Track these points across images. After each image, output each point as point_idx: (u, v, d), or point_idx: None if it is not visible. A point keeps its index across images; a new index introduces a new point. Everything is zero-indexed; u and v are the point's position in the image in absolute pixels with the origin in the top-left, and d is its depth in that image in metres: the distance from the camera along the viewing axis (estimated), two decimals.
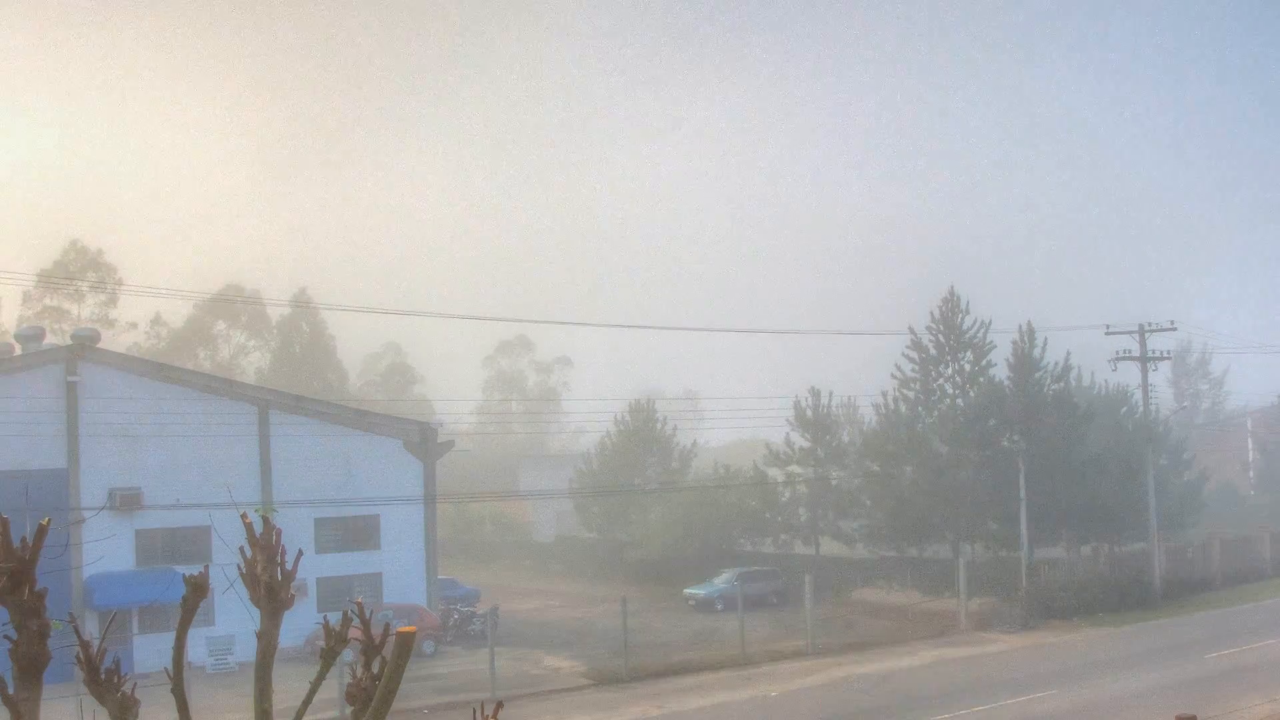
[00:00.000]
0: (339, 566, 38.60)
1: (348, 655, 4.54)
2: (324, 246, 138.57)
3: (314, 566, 36.95)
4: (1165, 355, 45.63)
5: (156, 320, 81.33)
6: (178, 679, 4.38)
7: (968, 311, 46.45)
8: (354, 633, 4.55)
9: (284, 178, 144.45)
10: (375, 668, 4.30)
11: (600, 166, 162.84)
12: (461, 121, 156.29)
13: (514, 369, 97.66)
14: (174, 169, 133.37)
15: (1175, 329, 43.61)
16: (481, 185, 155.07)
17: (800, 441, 53.02)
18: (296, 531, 35.08)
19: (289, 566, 4.26)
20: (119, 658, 4.42)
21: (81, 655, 4.10)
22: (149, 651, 32.79)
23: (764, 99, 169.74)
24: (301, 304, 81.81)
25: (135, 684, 4.27)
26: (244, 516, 4.40)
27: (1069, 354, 48.53)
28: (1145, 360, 43.54)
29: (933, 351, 46.78)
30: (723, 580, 46.82)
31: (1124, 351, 43.74)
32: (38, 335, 40.04)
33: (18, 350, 38.21)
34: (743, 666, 34.10)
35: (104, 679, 4.09)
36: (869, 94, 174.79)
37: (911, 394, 47.29)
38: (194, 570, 4.31)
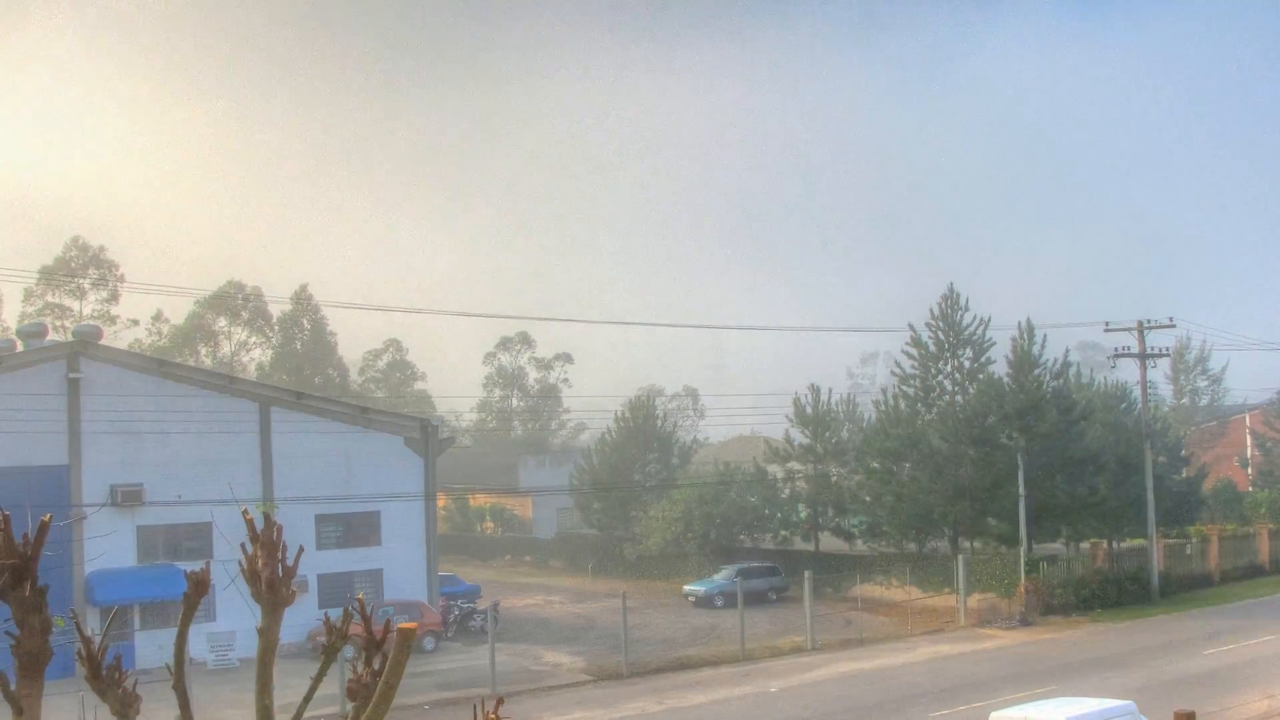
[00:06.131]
0: (340, 563, 38.64)
1: (348, 651, 4.57)
2: (325, 243, 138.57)
3: (315, 563, 37.01)
4: (1164, 352, 45.62)
5: (158, 317, 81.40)
6: (179, 675, 4.41)
7: (967, 308, 46.49)
8: (355, 629, 4.58)
9: (285, 175, 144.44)
10: (376, 664, 4.32)
11: (601, 164, 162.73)
12: (461, 118, 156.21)
13: (514, 365, 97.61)
14: (176, 166, 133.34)
15: (1174, 325, 43.63)
16: (482, 182, 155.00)
17: (800, 438, 53.05)
18: (297, 528, 35.07)
19: (290, 563, 4.28)
20: (120, 654, 4.44)
21: (83, 651, 4.12)
22: (150, 647, 32.88)
23: (766, 96, 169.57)
24: (302, 301, 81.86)
25: (136, 680, 4.29)
26: (245, 513, 4.42)
27: (1068, 351, 48.60)
28: (1144, 357, 43.54)
29: (932, 348, 46.79)
30: (722, 576, 46.86)
31: (1123, 348, 43.75)
32: (39, 332, 40.09)
33: (19, 347, 38.23)
34: (742, 662, 34.16)
35: (105, 675, 4.11)
36: (869, 92, 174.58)
37: (911, 391, 47.31)
38: (195, 566, 4.34)
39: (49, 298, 75.90)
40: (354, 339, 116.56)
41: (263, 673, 4.23)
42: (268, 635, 4.23)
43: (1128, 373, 49.33)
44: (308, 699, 4.56)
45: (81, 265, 75.93)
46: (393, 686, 4.04)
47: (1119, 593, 42.58)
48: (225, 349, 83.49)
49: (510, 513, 69.20)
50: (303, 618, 34.44)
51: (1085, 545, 46.88)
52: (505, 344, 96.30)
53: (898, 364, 48.55)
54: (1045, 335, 46.13)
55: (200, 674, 32.16)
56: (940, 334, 46.64)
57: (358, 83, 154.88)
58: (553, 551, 62.67)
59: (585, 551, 59.34)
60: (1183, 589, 44.91)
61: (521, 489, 69.27)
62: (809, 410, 52.52)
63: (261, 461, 37.93)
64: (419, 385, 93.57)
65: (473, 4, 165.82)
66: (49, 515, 3.85)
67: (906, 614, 41.32)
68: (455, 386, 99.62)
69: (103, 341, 39.79)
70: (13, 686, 3.74)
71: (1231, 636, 35.22)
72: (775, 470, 53.96)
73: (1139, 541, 46.61)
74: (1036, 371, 45.64)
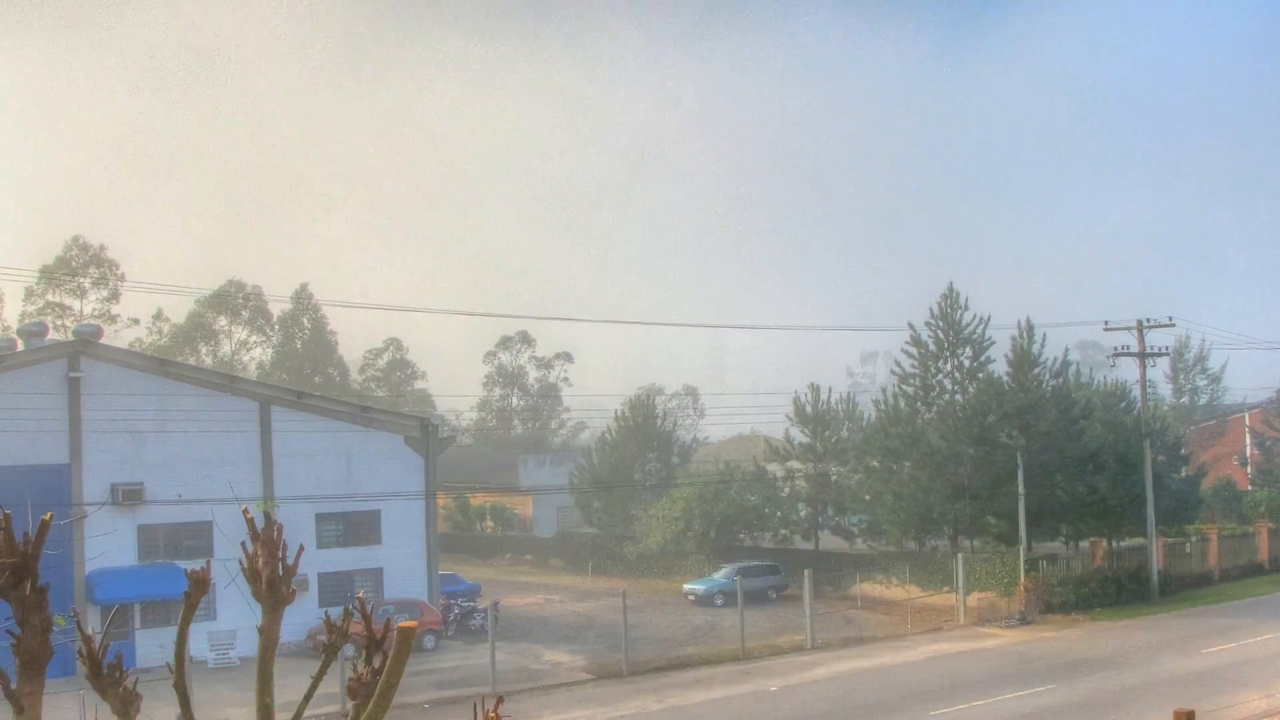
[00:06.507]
0: (340, 561, 38.68)
1: (349, 650, 4.59)
2: (325, 242, 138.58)
3: (315, 561, 37.05)
4: (1163, 351, 45.63)
5: (158, 316, 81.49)
6: (180, 673, 4.43)
7: (967, 307, 46.52)
8: (355, 627, 4.59)
9: (286, 173, 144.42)
10: (376, 663, 4.34)
11: (601, 162, 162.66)
12: (462, 117, 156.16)
13: (514, 364, 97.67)
14: (176, 164, 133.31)
15: (1173, 325, 43.59)
16: (482, 180, 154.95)
17: (800, 437, 53.07)
18: (298, 526, 35.19)
19: (290, 561, 4.30)
20: (121, 653, 4.46)
21: (84, 650, 4.13)
22: (151, 646, 32.92)
23: (767, 95, 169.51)
24: (303, 300, 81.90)
25: (137, 679, 4.30)
26: (245, 511, 4.43)
27: (1067, 350, 48.66)
28: (1143, 356, 43.53)
29: (932, 347, 46.82)
30: (722, 575, 46.90)
31: (1122, 347, 43.74)
32: (40, 331, 40.12)
33: (20, 346, 38.26)
34: (742, 661, 34.18)
35: (106, 674, 4.13)
36: (869, 90, 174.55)
37: (911, 390, 47.33)
38: (196, 565, 4.36)
39: (50, 297, 75.96)
40: (354, 338, 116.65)
41: (263, 671, 4.25)
42: (268, 634, 4.24)
43: (1127, 372, 49.41)
44: (308, 697, 4.58)
45: (82, 264, 75.96)
46: (393, 685, 4.06)
47: (1118, 591, 42.60)
48: (225, 348, 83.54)
49: (510, 511, 69.23)
50: (303, 616, 34.50)
51: (1085, 544, 46.90)
52: (505, 343, 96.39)
53: (897, 363, 48.61)
54: (1045, 334, 46.22)
55: (201, 673, 32.19)
56: (940, 333, 46.66)
57: (358, 81, 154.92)
58: (553, 550, 62.70)
59: (585, 550, 59.37)
60: (1182, 588, 44.94)
61: (521, 488, 69.31)
62: (809, 409, 52.55)
63: (262, 460, 37.96)
64: (419, 384, 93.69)
65: (472, 3, 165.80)
66: (50, 514, 3.86)
67: (906, 613, 41.34)
68: (455, 385, 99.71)
69: (103, 340, 39.80)
70: (14, 685, 3.76)
71: (1231, 635, 35.23)
72: (775, 469, 53.98)
73: (1138, 540, 46.63)
74: (1036, 370, 45.67)
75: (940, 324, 46.59)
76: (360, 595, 5.03)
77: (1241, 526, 53.68)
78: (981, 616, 40.48)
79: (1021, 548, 42.47)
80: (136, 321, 79.42)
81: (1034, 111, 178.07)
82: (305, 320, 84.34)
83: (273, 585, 4.21)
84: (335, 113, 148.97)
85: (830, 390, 53.22)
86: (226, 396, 38.02)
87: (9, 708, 3.79)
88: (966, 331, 46.46)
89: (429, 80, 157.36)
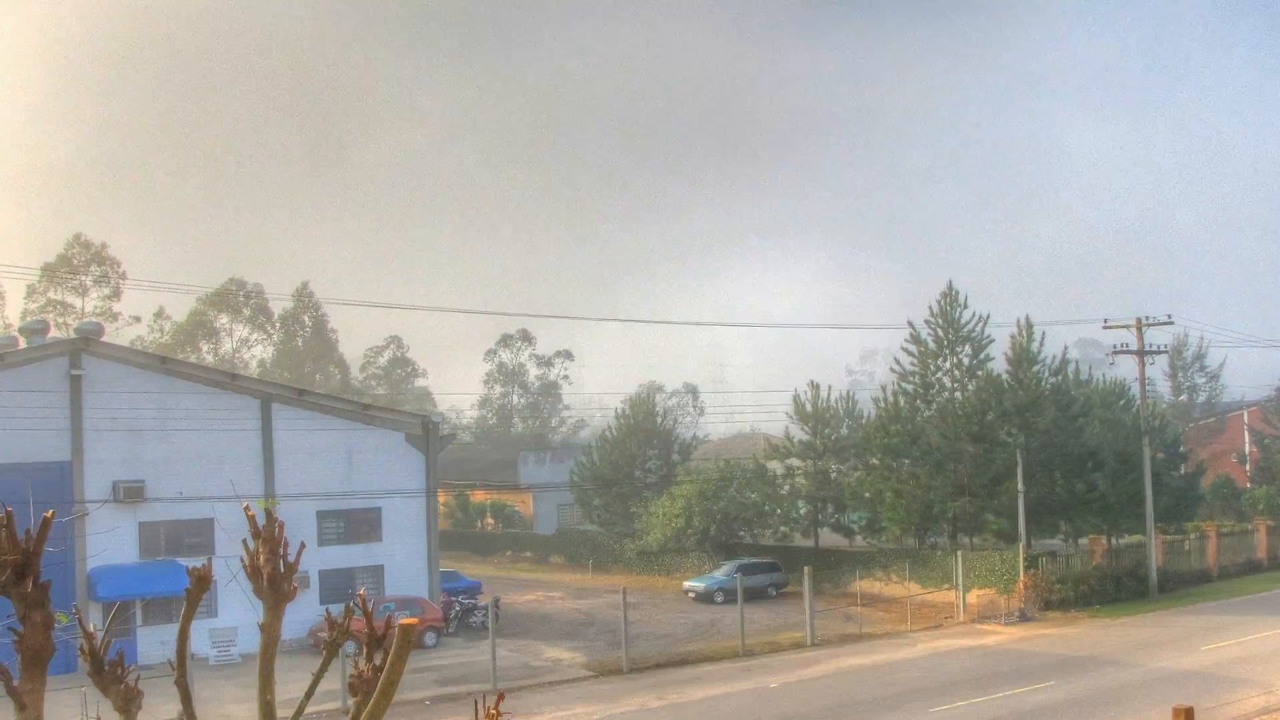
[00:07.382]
0: (341, 559, 38.73)
1: (350, 647, 4.63)
2: (327, 240, 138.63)
3: (316, 559, 37.11)
4: (1162, 349, 45.62)
5: (160, 314, 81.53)
6: (181, 670, 4.46)
7: (966, 305, 46.53)
8: (356, 625, 4.63)
9: (287, 172, 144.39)
10: (377, 659, 4.37)
11: (600, 160, 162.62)
12: (462, 116, 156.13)
13: (515, 362, 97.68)
14: (177, 163, 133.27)
15: (1172, 323, 43.59)
16: (482, 180, 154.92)
17: (800, 435, 53.10)
18: (299, 524, 35.25)
19: (291, 559, 4.33)
20: (122, 650, 4.49)
21: (85, 647, 4.17)
22: (152, 643, 32.99)
23: (766, 93, 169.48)
24: (304, 298, 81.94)
25: (138, 676, 4.34)
26: (246, 509, 4.47)
27: (1066, 348, 48.70)
28: (1142, 354, 43.54)
29: (931, 345, 46.84)
30: (722, 573, 46.95)
31: (1121, 345, 43.76)
32: (42, 329, 40.12)
33: (22, 344, 38.29)
34: (742, 658, 34.23)
35: (107, 671, 4.17)
36: (872, 89, 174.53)
37: (910, 387, 47.34)
38: (197, 562, 4.39)
39: (51, 294, 75.98)
40: (355, 336, 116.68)
41: (265, 668, 4.28)
42: (269, 631, 4.27)
43: (1126, 370, 49.39)
44: (309, 694, 4.62)
45: (84, 262, 75.99)
46: (394, 682, 4.09)
47: (1117, 588, 42.64)
48: (227, 346, 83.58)
49: (511, 509, 69.29)
50: (304, 614, 34.58)
51: (1084, 541, 46.94)
52: (506, 341, 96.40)
53: (897, 361, 48.64)
54: (1044, 332, 46.28)
55: (202, 670, 32.26)
56: (939, 331, 46.67)
57: (359, 80, 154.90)
58: (553, 547, 62.75)
59: (585, 547, 59.42)
60: (1181, 585, 44.97)
61: (522, 485, 69.37)
62: (809, 407, 52.56)
63: (263, 458, 38.00)
64: (420, 382, 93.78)
65: (473, 5, 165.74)
66: (51, 511, 3.89)
67: (906, 610, 41.38)
68: (456, 383, 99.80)
69: (105, 338, 39.81)
70: (16, 681, 3.79)
71: (1229, 632, 35.27)
72: (775, 466, 54.00)
73: (1137, 538, 46.64)
74: (1035, 368, 45.68)
75: (940, 322, 46.59)
76: (361, 592, 5.07)
77: (1240, 524, 53.70)
78: (981, 613, 40.52)
79: (1021, 545, 42.49)
80: (138, 319, 79.53)
81: (1033, 108, 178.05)
82: (306, 318, 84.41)
83: (274, 582, 4.24)
84: (336, 110, 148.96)
85: (830, 388, 53.28)
86: (227, 394, 38.05)
87: (11, 704, 3.82)
88: (966, 329, 46.47)
89: (428, 78, 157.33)
